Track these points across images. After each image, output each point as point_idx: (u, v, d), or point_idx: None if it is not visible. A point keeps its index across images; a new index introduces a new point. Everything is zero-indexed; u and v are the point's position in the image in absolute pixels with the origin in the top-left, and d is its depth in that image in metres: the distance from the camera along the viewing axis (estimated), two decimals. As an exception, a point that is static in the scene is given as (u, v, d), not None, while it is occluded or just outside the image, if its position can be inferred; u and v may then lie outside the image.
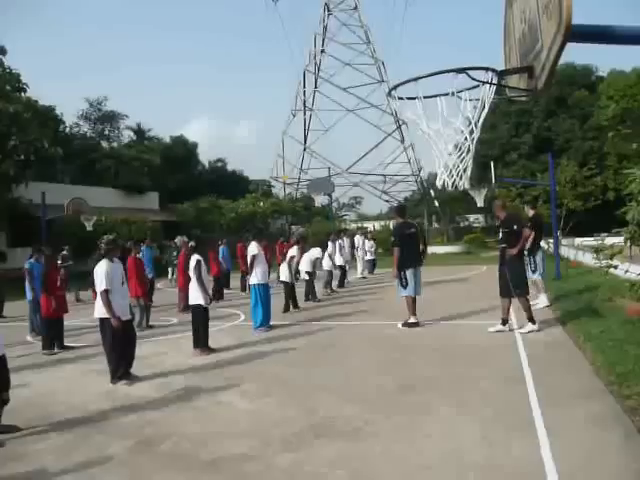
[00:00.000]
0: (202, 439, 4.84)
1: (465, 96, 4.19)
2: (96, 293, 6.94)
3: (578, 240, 26.86)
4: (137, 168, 36.42)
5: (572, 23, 3.09)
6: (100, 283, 6.70)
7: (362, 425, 4.93)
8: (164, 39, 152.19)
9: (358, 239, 19.97)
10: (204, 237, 8.53)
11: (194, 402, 5.96)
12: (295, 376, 6.82)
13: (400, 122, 47.70)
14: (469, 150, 4.39)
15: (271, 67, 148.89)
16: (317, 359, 7.71)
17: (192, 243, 8.75)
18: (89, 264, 13.46)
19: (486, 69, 4.12)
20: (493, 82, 4.16)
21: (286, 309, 12.14)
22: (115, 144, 45.07)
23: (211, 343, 8.53)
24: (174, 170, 44.21)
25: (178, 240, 15.48)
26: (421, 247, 9.89)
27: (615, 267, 9.28)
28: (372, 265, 21.18)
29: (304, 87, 51.45)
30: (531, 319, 8.52)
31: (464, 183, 4.44)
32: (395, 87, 4.39)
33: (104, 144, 43.91)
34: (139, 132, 48.67)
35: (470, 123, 4.35)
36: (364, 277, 19.69)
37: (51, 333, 9.15)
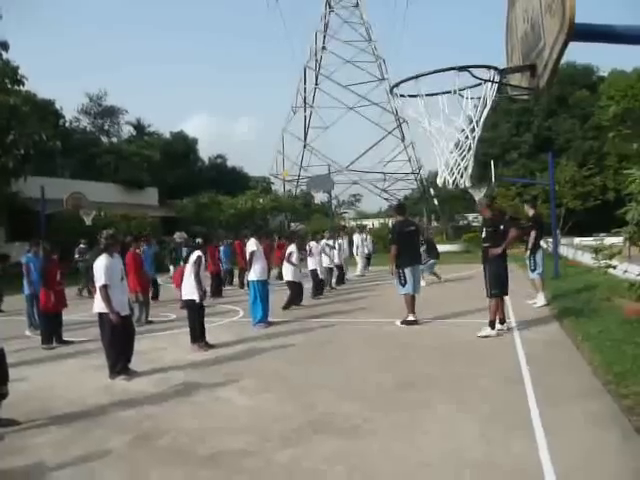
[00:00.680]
0: (201, 434, 4.85)
1: (467, 94, 4.19)
2: (95, 288, 6.94)
3: (577, 240, 26.89)
4: (137, 163, 36.41)
5: (575, 22, 3.09)
6: (99, 278, 6.70)
7: (361, 422, 4.94)
8: (164, 39, 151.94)
9: (357, 238, 19.93)
10: (208, 233, 8.51)
11: (193, 397, 5.97)
12: (294, 373, 6.83)
13: (400, 120, 47.70)
14: (470, 148, 4.40)
15: (271, 66, 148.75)
16: (316, 356, 7.72)
17: (199, 240, 8.70)
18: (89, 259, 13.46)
19: (488, 67, 4.12)
20: (495, 80, 4.16)
21: (287, 306, 12.13)
22: (115, 139, 45.06)
23: (210, 339, 8.54)
24: (174, 166, 44.20)
25: (177, 236, 15.51)
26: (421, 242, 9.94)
27: (614, 267, 9.30)
28: (368, 261, 21.19)
29: (305, 84, 51.42)
30: (492, 324, 8.33)
31: (465, 181, 4.45)
32: (397, 85, 4.39)
33: (104, 139, 43.90)
34: (139, 127, 48.68)
35: (471, 121, 4.35)
36: (362, 275, 19.69)
37: (50, 327, 9.16)
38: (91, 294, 15.77)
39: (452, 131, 4.44)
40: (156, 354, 8.15)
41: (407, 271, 9.43)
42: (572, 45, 3.26)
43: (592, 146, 38.72)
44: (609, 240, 10.75)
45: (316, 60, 51.08)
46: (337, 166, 47.13)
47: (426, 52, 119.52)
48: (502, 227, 8.50)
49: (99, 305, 6.77)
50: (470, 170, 4.50)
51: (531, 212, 11.43)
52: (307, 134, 51.60)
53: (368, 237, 21.43)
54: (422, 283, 11.32)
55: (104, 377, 6.84)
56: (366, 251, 20.65)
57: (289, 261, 12.32)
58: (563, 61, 3.63)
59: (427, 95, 4.26)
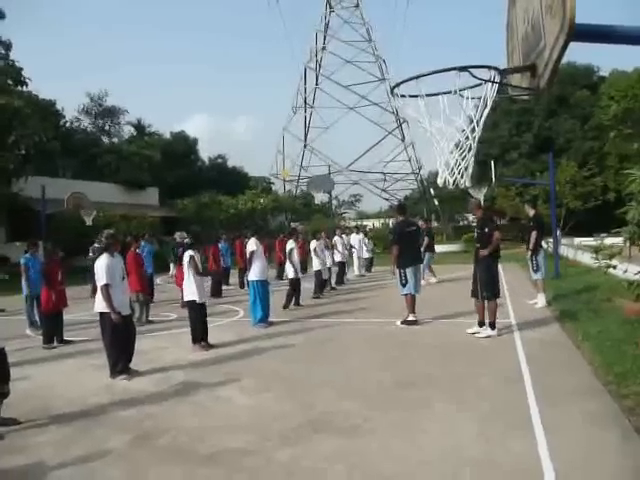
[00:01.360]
0: (201, 433, 4.86)
1: (467, 94, 4.20)
2: (96, 288, 6.94)
3: (577, 240, 26.88)
4: (137, 163, 36.42)
5: (575, 22, 3.10)
6: (101, 277, 6.71)
7: (360, 421, 4.95)
8: (164, 39, 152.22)
9: (354, 238, 19.87)
10: (199, 233, 8.48)
11: (193, 397, 5.98)
12: (294, 372, 6.84)
13: (401, 120, 47.66)
14: (470, 148, 4.41)
15: (271, 66, 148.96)
16: (316, 355, 7.73)
17: (187, 240, 8.71)
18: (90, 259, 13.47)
19: (488, 67, 4.13)
20: (495, 81, 4.16)
21: (287, 305, 12.14)
22: (116, 139, 45.07)
23: (210, 339, 8.54)
24: (174, 166, 44.19)
25: (178, 236, 15.52)
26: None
27: (614, 267, 9.30)
28: (370, 263, 21.19)
29: (305, 84, 51.38)
30: (492, 325, 8.31)
31: (465, 181, 4.45)
32: (397, 85, 4.40)
33: (105, 139, 43.90)
34: (139, 128, 48.66)
35: (472, 121, 4.36)
36: (362, 275, 19.69)
37: (51, 327, 9.17)
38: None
39: (452, 131, 4.44)
40: (157, 354, 8.16)
41: (408, 271, 9.44)
42: (573, 45, 3.26)
43: (592, 146, 38.70)
44: (609, 240, 10.75)
45: (316, 60, 51.05)
46: (337, 166, 47.12)
47: (426, 52, 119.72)
48: (487, 229, 8.44)
49: (100, 304, 6.78)
50: (470, 170, 4.50)
51: (532, 212, 11.40)
52: (307, 134, 51.57)
53: (366, 240, 21.28)
54: (422, 282, 11.31)
55: (105, 376, 6.85)
56: (366, 255, 20.55)
57: (290, 259, 12.33)
58: (563, 61, 3.64)
59: (427, 95, 4.27)
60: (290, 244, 12.44)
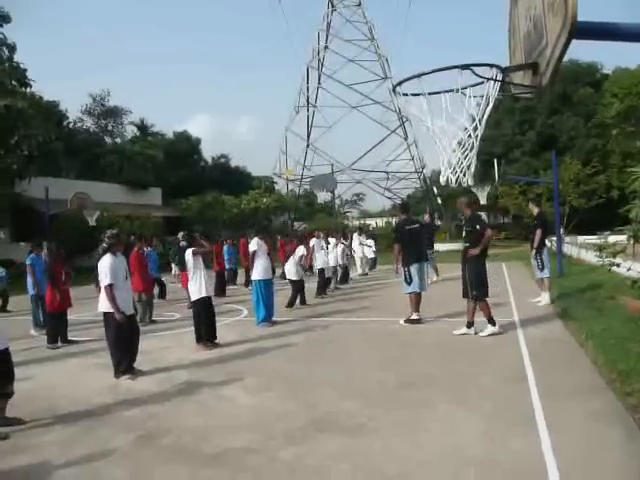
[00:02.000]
0: (204, 433, 4.87)
1: (469, 93, 4.19)
2: (100, 288, 6.96)
3: (581, 238, 26.83)
4: (140, 163, 36.46)
5: (577, 20, 3.09)
6: (104, 277, 6.73)
7: (364, 420, 4.95)
8: (167, 39, 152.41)
9: (356, 238, 19.87)
10: (192, 236, 8.54)
11: (196, 396, 5.99)
12: (297, 371, 6.84)
13: (404, 119, 47.58)
14: (473, 147, 4.39)
15: (274, 66, 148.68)
16: (319, 355, 7.74)
17: (183, 243, 8.68)
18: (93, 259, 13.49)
19: (490, 65, 4.12)
20: (497, 79, 4.16)
21: (290, 304, 12.16)
22: (119, 139, 45.13)
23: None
24: (177, 166, 44.24)
25: (181, 236, 15.54)
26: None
27: (618, 265, 9.28)
28: (373, 263, 21.18)
29: (307, 83, 51.35)
30: (491, 320, 8.26)
31: (468, 180, 4.45)
32: (399, 83, 4.39)
33: (107, 139, 43.97)
34: (142, 128, 48.73)
35: (474, 120, 4.35)
36: (365, 274, 19.68)
37: (56, 327, 9.20)
38: None
39: (455, 129, 4.43)
40: (160, 353, 8.17)
41: (412, 269, 9.44)
42: (576, 43, 3.25)
43: (596, 144, 38.60)
44: (613, 238, 10.71)
45: (319, 59, 51.03)
46: (340, 165, 47.13)
47: (428, 51, 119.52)
48: (477, 227, 8.36)
49: (104, 304, 6.80)
50: (473, 169, 4.49)
51: (536, 210, 11.37)
52: (310, 133, 51.58)
53: (369, 240, 21.24)
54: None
55: (109, 376, 6.87)
56: (370, 255, 20.56)
57: (299, 263, 12.36)
58: (567, 59, 3.64)
59: (430, 94, 4.26)
60: (301, 250, 12.42)
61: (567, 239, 25.05)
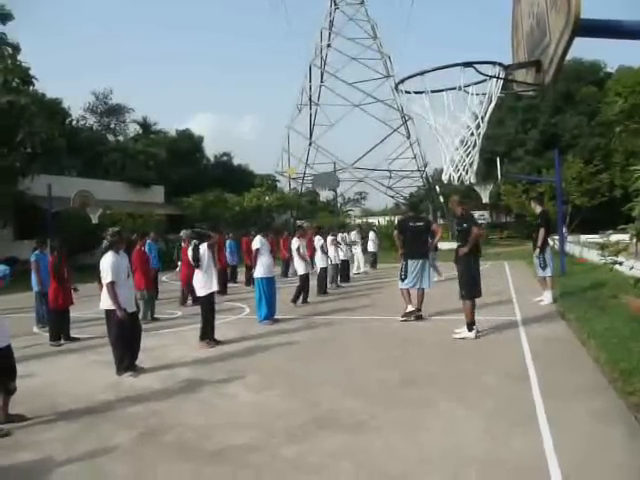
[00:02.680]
0: (206, 430, 4.87)
1: (472, 91, 4.18)
2: (102, 285, 6.97)
3: (584, 237, 26.77)
4: (143, 161, 36.44)
5: (580, 17, 3.09)
6: (106, 275, 6.73)
7: (365, 418, 4.96)
8: (170, 39, 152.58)
9: (355, 235, 19.87)
10: (201, 232, 8.48)
11: (198, 394, 6.00)
12: (298, 369, 6.85)
13: (406, 117, 47.45)
14: (475, 145, 4.39)
15: (276, 64, 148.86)
16: (320, 353, 7.74)
17: (196, 241, 8.68)
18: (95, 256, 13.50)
19: (493, 63, 4.11)
20: (500, 77, 4.15)
21: (295, 299, 12.17)
22: (121, 137, 45.14)
23: (216, 335, 8.55)
24: (180, 164, 44.20)
25: (183, 234, 15.54)
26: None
27: (620, 263, 9.25)
28: (374, 259, 21.18)
29: (310, 82, 51.25)
30: (469, 325, 8.14)
31: (470, 177, 4.44)
32: (402, 81, 4.39)
33: (110, 137, 43.97)
34: (145, 126, 48.70)
35: (477, 118, 4.35)
36: (365, 272, 19.67)
37: (58, 324, 9.21)
38: None
39: (457, 128, 4.43)
40: (162, 351, 8.18)
41: (410, 264, 9.58)
42: (579, 41, 3.25)
43: (599, 143, 38.48)
44: (615, 237, 10.69)
45: (321, 58, 50.93)
46: (342, 164, 47.01)
47: (431, 49, 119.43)
48: (465, 225, 8.30)
49: (106, 302, 6.81)
50: (475, 167, 4.49)
51: (538, 209, 11.35)
52: (312, 131, 51.46)
53: (371, 235, 21.25)
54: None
55: (111, 374, 6.88)
56: (372, 248, 20.61)
57: (300, 255, 12.39)
58: (570, 57, 3.64)
59: (432, 92, 4.25)
60: (295, 242, 12.48)
61: (570, 238, 24.99)
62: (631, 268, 9.70)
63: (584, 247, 21.22)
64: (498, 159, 22.22)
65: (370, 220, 41.10)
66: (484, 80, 4.14)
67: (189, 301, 12.87)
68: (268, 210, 38.08)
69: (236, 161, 56.07)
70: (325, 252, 14.34)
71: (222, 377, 6.56)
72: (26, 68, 24.26)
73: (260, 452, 4.33)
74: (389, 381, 6.12)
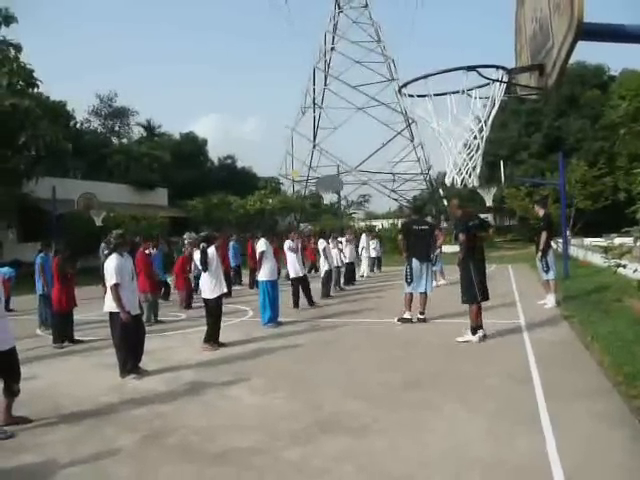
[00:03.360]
0: (210, 432, 4.88)
1: (475, 94, 4.19)
2: (106, 287, 6.99)
3: (588, 240, 26.70)
4: (147, 164, 36.54)
5: (583, 21, 3.09)
6: (110, 277, 6.75)
7: (368, 421, 4.96)
8: (173, 40, 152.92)
9: (363, 238, 19.97)
10: (209, 235, 8.47)
11: (202, 396, 6.01)
12: (302, 372, 6.86)
13: (410, 120, 47.53)
14: (479, 148, 4.40)
15: (281, 67, 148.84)
16: (324, 355, 7.74)
17: (204, 244, 8.67)
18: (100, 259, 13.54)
19: (496, 67, 4.12)
20: (503, 80, 4.16)
21: (295, 304, 12.17)
22: (125, 140, 45.28)
23: (220, 338, 8.56)
24: (183, 166, 44.30)
25: (187, 236, 15.59)
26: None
27: (624, 266, 9.23)
28: (378, 263, 21.20)
29: (314, 85, 51.37)
30: (473, 330, 8.06)
31: (473, 181, 4.45)
32: (405, 84, 4.40)
33: (114, 140, 44.11)
34: (149, 128, 48.86)
35: (480, 121, 4.35)
36: (368, 276, 19.66)
37: (62, 326, 9.24)
38: None
39: (460, 131, 4.44)
40: (166, 353, 8.20)
41: (414, 266, 9.55)
42: (583, 44, 3.25)
43: (603, 146, 38.40)
44: (619, 240, 10.67)
45: (325, 60, 51.05)
46: (346, 166, 47.12)
47: (435, 52, 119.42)
48: (455, 231, 8.30)
49: (110, 304, 6.83)
50: (478, 170, 4.50)
51: (541, 212, 11.33)
52: (316, 134, 51.57)
53: (376, 240, 21.35)
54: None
55: (114, 376, 6.89)
56: (373, 254, 20.63)
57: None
58: (573, 61, 3.64)
59: (435, 95, 4.26)
60: (287, 242, 12.28)
61: (573, 241, 24.93)
62: (635, 271, 9.65)
63: (588, 250, 21.16)
64: (501, 162, 22.20)
65: (374, 223, 41.09)
66: (487, 84, 4.15)
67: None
68: (272, 213, 38.13)
69: (240, 164, 56.17)
70: (326, 256, 14.32)
71: (226, 379, 6.56)
72: (30, 70, 24.35)
73: (263, 455, 4.34)
74: (392, 383, 6.12)
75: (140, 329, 7.18)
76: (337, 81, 49.76)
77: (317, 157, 50.48)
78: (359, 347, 8.19)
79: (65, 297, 9.15)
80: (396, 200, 52.56)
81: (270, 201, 37.95)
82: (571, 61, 3.54)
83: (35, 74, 24.67)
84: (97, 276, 14.68)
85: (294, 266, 12.15)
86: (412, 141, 49.67)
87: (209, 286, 8.40)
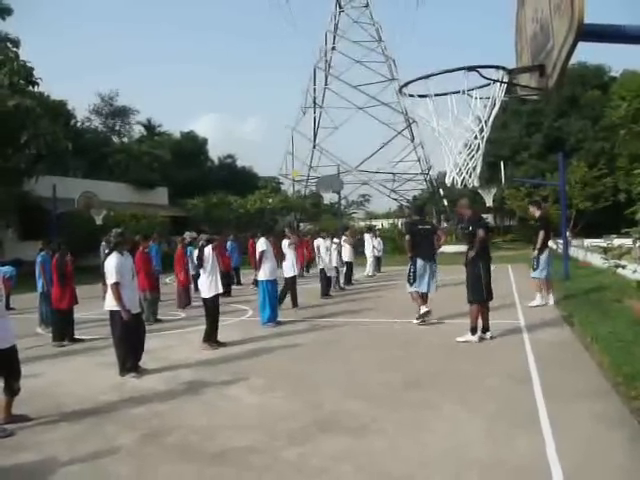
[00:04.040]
0: (209, 432, 4.89)
1: (476, 94, 4.19)
2: (106, 286, 6.99)
3: (588, 241, 26.72)
4: (147, 163, 36.57)
5: (584, 22, 3.09)
6: (110, 276, 6.75)
7: (368, 421, 4.96)
8: (174, 39, 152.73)
9: (367, 237, 20.04)
10: (210, 238, 8.49)
11: (201, 395, 6.01)
12: (301, 371, 6.86)
13: (410, 120, 47.50)
14: (479, 148, 4.40)
15: (281, 66, 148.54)
16: (323, 355, 7.75)
17: (203, 242, 8.72)
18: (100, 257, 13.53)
19: (497, 67, 4.12)
20: (504, 81, 4.16)
21: (294, 304, 12.17)
22: (126, 139, 45.29)
23: (219, 337, 8.57)
24: (184, 165, 44.33)
25: (187, 235, 15.58)
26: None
27: (623, 267, 9.25)
28: (378, 263, 21.20)
29: (314, 84, 51.33)
30: (473, 330, 8.04)
31: (473, 181, 4.45)
32: (406, 84, 4.40)
33: (115, 139, 44.14)
34: (150, 127, 48.89)
35: (480, 121, 4.35)
36: (371, 275, 19.69)
37: (62, 325, 9.24)
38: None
39: (461, 131, 4.44)
40: (165, 352, 8.21)
41: (419, 266, 9.42)
42: (584, 45, 3.26)
43: (603, 147, 38.41)
44: (619, 241, 10.69)
45: (326, 60, 51.02)
46: (346, 166, 47.04)
47: (434, 52, 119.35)
48: (470, 228, 8.26)
49: (110, 303, 6.83)
50: (479, 170, 4.49)
51: (537, 213, 11.41)
52: (316, 134, 51.53)
53: (378, 238, 21.39)
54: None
55: (114, 374, 6.90)
56: (376, 253, 20.66)
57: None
58: (574, 61, 3.65)
59: (436, 95, 4.27)
60: (285, 242, 12.28)
61: (573, 242, 24.94)
62: (634, 272, 9.69)
63: (588, 251, 21.17)
64: (502, 163, 22.20)
65: (374, 223, 41.07)
66: (488, 84, 4.15)
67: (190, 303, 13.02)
68: (272, 212, 38.15)
69: (240, 163, 56.23)
70: (321, 255, 14.33)
71: (225, 379, 6.57)
72: (30, 69, 24.36)
73: (262, 454, 4.34)
74: (391, 383, 6.12)
75: (140, 328, 7.19)
76: (338, 81, 49.73)
77: (317, 157, 50.47)
78: (359, 347, 8.19)
79: (64, 295, 9.14)
80: (396, 200, 52.59)
81: (270, 201, 37.98)
82: (572, 61, 3.54)
83: (35, 72, 24.71)
84: (97, 275, 14.73)
85: (290, 265, 12.02)
86: (412, 141, 49.64)
87: (206, 285, 8.43)
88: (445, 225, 45.38)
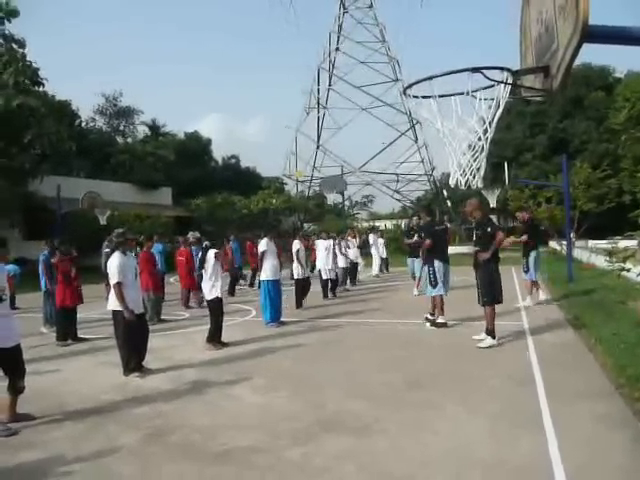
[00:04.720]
0: (212, 431, 4.89)
1: (480, 95, 4.20)
2: (109, 286, 7.01)
3: (592, 242, 26.65)
4: (151, 163, 36.66)
5: (589, 23, 3.10)
6: (113, 276, 6.77)
7: (370, 421, 4.96)
8: (179, 40, 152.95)
9: (372, 238, 20.02)
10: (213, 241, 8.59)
11: (204, 395, 6.02)
12: (304, 371, 6.87)
13: (414, 121, 47.42)
14: (483, 149, 4.40)
15: (284, 67, 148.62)
16: (326, 355, 7.75)
17: (207, 242, 8.77)
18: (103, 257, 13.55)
19: (501, 69, 4.13)
20: (508, 82, 4.16)
21: (298, 304, 12.20)
22: (130, 139, 45.40)
23: (223, 337, 8.58)
24: (188, 166, 44.40)
25: (191, 235, 15.60)
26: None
27: (628, 270, 9.22)
28: (386, 263, 21.18)
29: (318, 85, 51.35)
30: (491, 333, 7.90)
31: (477, 182, 4.45)
32: (410, 86, 4.41)
33: (119, 139, 44.25)
34: (154, 128, 48.98)
35: (484, 122, 4.36)
36: (377, 276, 19.68)
37: (65, 324, 9.27)
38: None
39: (465, 132, 4.44)
40: (169, 352, 8.22)
41: (438, 269, 9.27)
42: (588, 46, 3.26)
43: (608, 148, 38.32)
44: (623, 243, 10.67)
45: (330, 61, 51.02)
46: (350, 167, 47.07)
47: (439, 53, 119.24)
48: (489, 229, 8.12)
49: (113, 303, 6.85)
50: (482, 171, 4.50)
51: (526, 217, 12.14)
52: (320, 135, 51.52)
53: (382, 239, 21.37)
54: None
55: (118, 374, 6.92)
56: (383, 255, 20.62)
57: (298, 259, 12.45)
58: (578, 62, 3.65)
59: (440, 96, 4.27)
60: (296, 245, 12.39)
61: (577, 244, 24.87)
62: (639, 274, 9.65)
63: (592, 253, 21.11)
64: (506, 164, 22.21)
65: (377, 223, 41.07)
66: (492, 85, 4.15)
67: (191, 303, 13.04)
68: (275, 213, 38.18)
69: (244, 163, 56.26)
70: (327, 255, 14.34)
71: (228, 379, 6.58)
72: (35, 69, 24.44)
73: (265, 454, 4.35)
74: (394, 383, 6.12)
75: (144, 328, 7.20)
76: (341, 81, 49.74)
77: (321, 157, 50.43)
78: (361, 347, 8.19)
79: (68, 294, 9.17)
80: (399, 201, 52.54)
81: (274, 201, 38.01)
82: (576, 62, 3.54)
83: (40, 73, 24.78)
84: (101, 274, 14.77)
85: (299, 267, 12.26)
86: (416, 142, 49.55)
87: (208, 288, 8.46)
88: (448, 225, 45.30)
